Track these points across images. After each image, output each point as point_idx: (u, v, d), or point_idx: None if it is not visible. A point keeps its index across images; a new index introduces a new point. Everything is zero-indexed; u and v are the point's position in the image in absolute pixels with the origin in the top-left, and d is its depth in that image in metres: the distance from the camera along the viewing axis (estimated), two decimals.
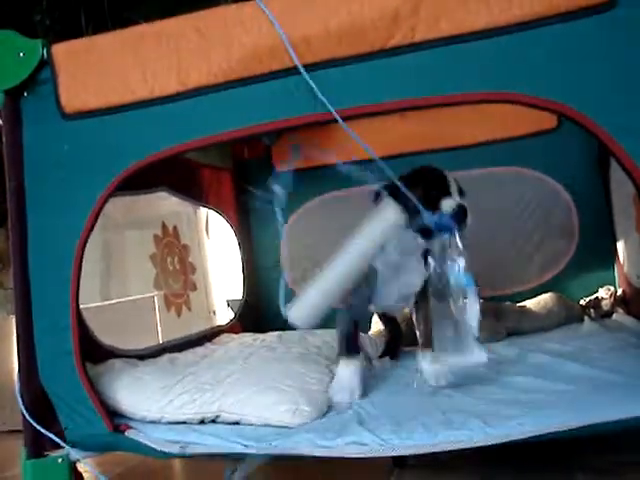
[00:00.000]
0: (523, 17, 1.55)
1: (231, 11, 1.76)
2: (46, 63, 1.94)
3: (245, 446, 1.85)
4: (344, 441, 1.74)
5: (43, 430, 1.97)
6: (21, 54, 1.93)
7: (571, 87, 1.57)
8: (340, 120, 1.69)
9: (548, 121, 3.16)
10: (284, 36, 1.69)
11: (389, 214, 2.10)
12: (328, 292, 1.99)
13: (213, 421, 2.05)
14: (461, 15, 1.58)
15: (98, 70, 1.90)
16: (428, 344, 2.34)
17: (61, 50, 1.94)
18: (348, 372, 2.08)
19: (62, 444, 1.99)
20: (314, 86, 1.69)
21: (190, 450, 1.90)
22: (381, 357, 2.65)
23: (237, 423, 2.01)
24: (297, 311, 1.97)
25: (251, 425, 1.98)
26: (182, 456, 1.93)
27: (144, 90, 1.85)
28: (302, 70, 1.70)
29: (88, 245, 2.00)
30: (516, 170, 3.32)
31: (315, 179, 3.30)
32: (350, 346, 2.12)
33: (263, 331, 3.25)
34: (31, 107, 1.99)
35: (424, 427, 1.75)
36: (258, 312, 3.61)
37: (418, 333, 2.47)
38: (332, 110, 1.67)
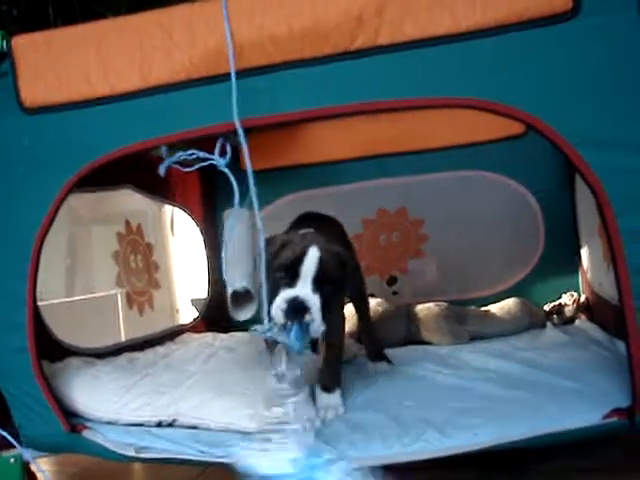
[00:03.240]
0: (486, 23, 1.55)
1: (195, 9, 1.74)
2: (6, 55, 1.90)
3: (201, 452, 1.84)
4: None
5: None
6: None
7: (534, 95, 1.58)
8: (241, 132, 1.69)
9: (516, 127, 3.16)
10: (229, 39, 1.69)
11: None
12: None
13: (170, 425, 2.02)
14: (425, 19, 1.57)
15: (59, 64, 1.86)
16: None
17: (21, 43, 1.90)
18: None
19: (15, 444, 1.96)
20: (234, 93, 1.69)
21: (145, 454, 1.89)
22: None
23: (195, 427, 1.99)
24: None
25: (209, 430, 1.96)
26: (137, 460, 1.91)
27: (105, 86, 1.82)
28: (233, 77, 1.70)
29: (54, 241, 1.96)
30: (483, 174, 3.33)
31: (282, 179, 3.30)
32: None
33: (227, 330, 3.24)
34: None
35: (381, 438, 1.76)
36: (222, 311, 3.58)
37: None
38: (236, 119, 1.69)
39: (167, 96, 1.79)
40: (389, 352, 2.65)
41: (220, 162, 1.79)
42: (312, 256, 1.81)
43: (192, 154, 1.82)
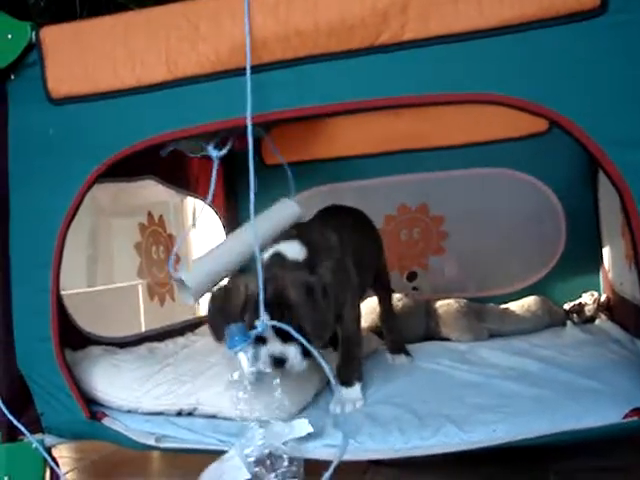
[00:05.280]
0: (513, 19, 1.54)
1: (222, 2, 1.75)
2: (34, 46, 1.92)
3: (220, 441, 1.85)
4: (319, 443, 1.76)
5: (12, 418, 1.96)
6: (9, 36, 1.91)
7: (560, 93, 1.56)
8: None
9: (538, 124, 3.16)
10: (248, 36, 1.69)
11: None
12: (218, 263, 2.05)
13: (190, 413, 2.04)
14: (451, 15, 1.57)
15: (86, 55, 1.88)
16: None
17: (49, 33, 1.92)
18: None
19: (27, 434, 1.98)
20: (249, 87, 1.70)
21: (165, 443, 1.91)
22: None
23: (214, 416, 2.00)
24: (187, 273, 1.98)
25: (228, 419, 1.96)
26: (158, 449, 1.93)
27: (131, 77, 1.84)
28: (248, 72, 1.70)
29: (76, 231, 1.99)
30: (506, 172, 3.31)
31: (304, 173, 3.29)
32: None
33: None
34: (17, 90, 1.98)
35: (399, 431, 1.76)
36: None
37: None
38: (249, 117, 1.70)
39: (193, 88, 1.79)
40: (408, 347, 2.65)
41: (213, 153, 1.81)
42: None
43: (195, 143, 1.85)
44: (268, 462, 1.69)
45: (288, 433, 1.74)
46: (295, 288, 1.84)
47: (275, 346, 1.84)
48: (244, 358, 1.79)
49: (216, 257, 2.10)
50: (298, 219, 2.40)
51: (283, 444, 1.72)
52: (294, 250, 2.01)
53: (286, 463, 1.69)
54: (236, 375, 1.79)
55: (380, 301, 2.68)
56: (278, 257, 1.98)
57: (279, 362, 1.84)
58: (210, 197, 1.81)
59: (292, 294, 1.83)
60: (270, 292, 1.81)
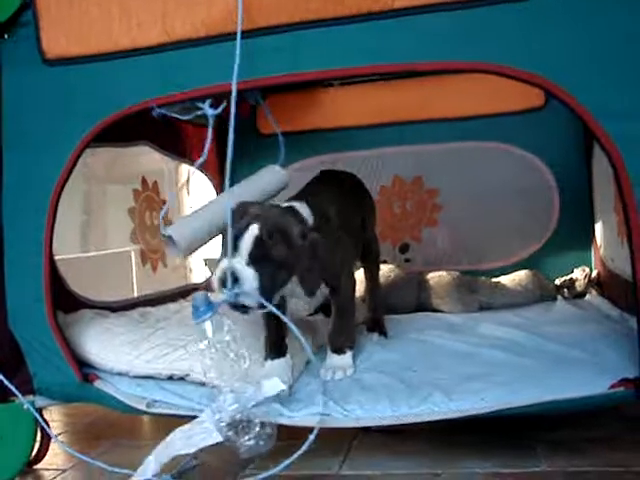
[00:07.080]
0: None
1: None
2: (28, 5, 1.90)
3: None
4: (309, 411, 1.78)
5: (4, 379, 1.96)
6: None
7: (556, 63, 1.56)
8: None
9: (536, 99, 3.15)
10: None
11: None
12: (204, 220, 2.11)
13: (182, 379, 2.05)
14: None
15: (81, 15, 1.85)
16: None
17: None
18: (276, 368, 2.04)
19: (18, 395, 1.98)
20: (238, 54, 1.67)
21: (156, 408, 1.93)
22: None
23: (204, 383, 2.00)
24: (175, 228, 2.06)
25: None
26: (147, 414, 1.95)
27: (127, 39, 1.82)
28: (238, 37, 1.67)
29: (70, 197, 1.98)
30: (500, 146, 3.32)
31: (298, 143, 3.28)
32: (273, 349, 2.07)
33: None
34: (11, 50, 1.95)
35: (388, 399, 1.78)
36: None
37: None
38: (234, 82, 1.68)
39: (187, 52, 1.78)
40: (399, 318, 2.66)
41: (208, 112, 1.79)
42: (250, 233, 1.80)
43: (185, 104, 1.84)
44: (241, 426, 1.69)
45: (259, 395, 1.73)
46: (277, 232, 1.83)
47: (238, 263, 1.76)
48: (209, 326, 1.76)
49: (201, 215, 2.16)
50: (284, 185, 2.40)
51: (255, 407, 1.71)
52: (304, 211, 2.03)
53: (258, 427, 1.69)
54: (203, 344, 1.76)
55: (366, 274, 2.65)
56: (292, 210, 1.99)
57: (242, 308, 1.78)
58: (204, 158, 1.79)
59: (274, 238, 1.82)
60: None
